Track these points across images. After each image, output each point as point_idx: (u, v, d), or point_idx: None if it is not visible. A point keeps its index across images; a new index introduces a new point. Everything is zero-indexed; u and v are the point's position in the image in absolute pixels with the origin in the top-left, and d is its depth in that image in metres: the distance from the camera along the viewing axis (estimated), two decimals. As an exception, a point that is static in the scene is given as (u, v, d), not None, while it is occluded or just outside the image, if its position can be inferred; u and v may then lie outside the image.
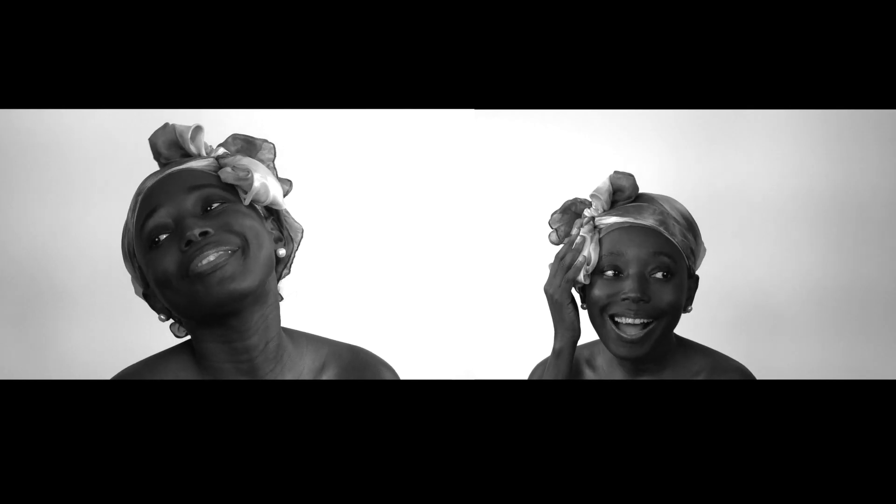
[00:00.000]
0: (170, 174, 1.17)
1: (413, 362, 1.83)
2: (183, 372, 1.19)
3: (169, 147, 1.20)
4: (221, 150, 1.21)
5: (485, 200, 1.94)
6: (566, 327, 1.33)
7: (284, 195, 1.22)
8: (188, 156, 1.20)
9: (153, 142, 1.20)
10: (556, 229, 1.34)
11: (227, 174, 1.16)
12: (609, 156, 1.93)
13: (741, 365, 1.35)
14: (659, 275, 1.28)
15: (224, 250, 1.11)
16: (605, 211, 1.32)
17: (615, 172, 1.32)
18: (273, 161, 1.23)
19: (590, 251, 1.30)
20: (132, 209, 1.18)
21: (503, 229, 1.95)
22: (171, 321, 1.21)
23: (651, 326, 1.28)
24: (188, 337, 1.21)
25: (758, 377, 1.36)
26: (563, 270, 1.31)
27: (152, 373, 1.19)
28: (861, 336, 1.93)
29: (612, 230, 1.30)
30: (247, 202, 1.16)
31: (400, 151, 1.87)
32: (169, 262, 1.11)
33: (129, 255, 1.19)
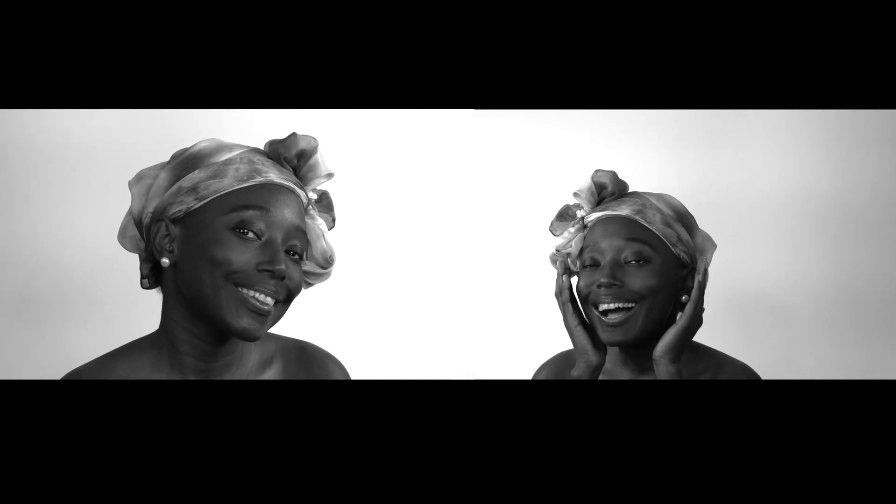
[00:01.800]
0: (290, 191, 1.18)
1: (412, 362, 1.83)
2: (143, 363, 1.20)
3: (298, 157, 1.21)
4: (314, 198, 1.23)
5: (485, 200, 1.93)
6: (578, 353, 1.34)
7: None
8: (294, 173, 1.21)
9: (294, 140, 1.20)
10: (558, 235, 1.39)
11: (318, 245, 1.23)
12: (609, 156, 1.93)
13: (746, 365, 1.36)
14: (633, 261, 1.31)
15: (275, 298, 1.15)
16: (592, 209, 1.36)
17: (596, 171, 1.37)
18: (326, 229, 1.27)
19: (572, 244, 1.35)
20: (240, 167, 1.16)
21: (503, 229, 1.95)
22: (146, 264, 1.21)
23: (632, 310, 1.30)
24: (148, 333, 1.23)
25: (758, 378, 1.36)
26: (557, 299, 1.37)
27: (104, 371, 1.19)
28: (860, 336, 1.93)
29: (594, 224, 1.35)
30: (303, 268, 1.21)
31: (400, 151, 1.87)
32: (241, 261, 1.13)
33: (187, 188, 1.16)
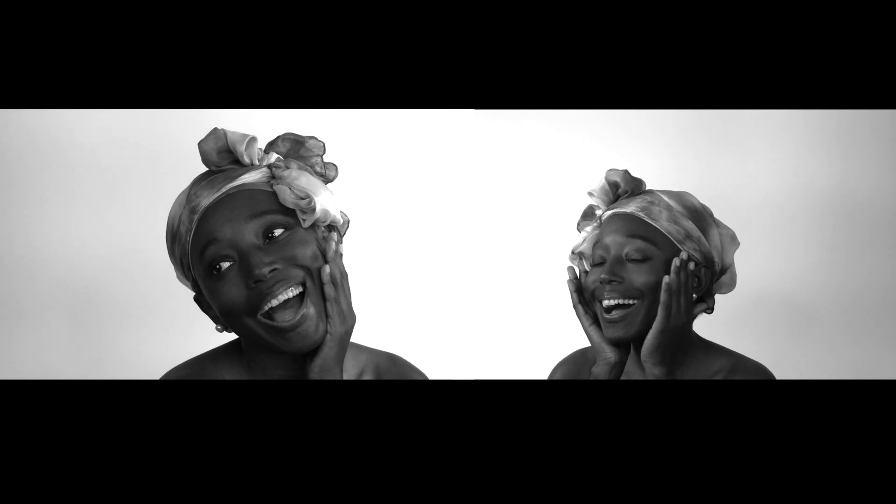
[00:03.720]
0: (228, 196, 1.14)
1: (412, 363, 1.83)
2: (232, 373, 1.20)
3: (220, 153, 1.16)
4: (274, 157, 1.18)
5: (485, 200, 1.93)
6: (595, 352, 1.35)
7: (331, 181, 1.21)
8: (237, 161, 1.17)
9: (204, 148, 1.16)
10: (583, 232, 1.40)
11: (285, 196, 1.14)
12: (609, 156, 1.93)
13: (762, 365, 1.36)
14: (635, 258, 1.31)
15: (291, 286, 1.12)
16: (608, 207, 1.37)
17: (609, 170, 1.37)
18: (322, 157, 1.20)
19: (585, 243, 1.36)
20: (183, 220, 1.15)
21: (503, 229, 1.95)
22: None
23: (633, 307, 1.30)
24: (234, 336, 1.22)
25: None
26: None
27: (202, 374, 1.20)
28: (860, 336, 1.93)
29: (604, 222, 1.36)
30: (306, 225, 1.15)
31: (400, 151, 1.87)
32: (236, 295, 1.12)
33: (179, 262, 1.17)
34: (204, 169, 1.18)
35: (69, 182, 1.76)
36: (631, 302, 1.30)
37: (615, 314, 1.31)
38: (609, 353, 1.32)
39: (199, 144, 1.16)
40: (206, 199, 1.14)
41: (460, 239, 1.88)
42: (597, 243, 1.35)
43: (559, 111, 1.87)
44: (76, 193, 1.76)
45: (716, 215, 1.39)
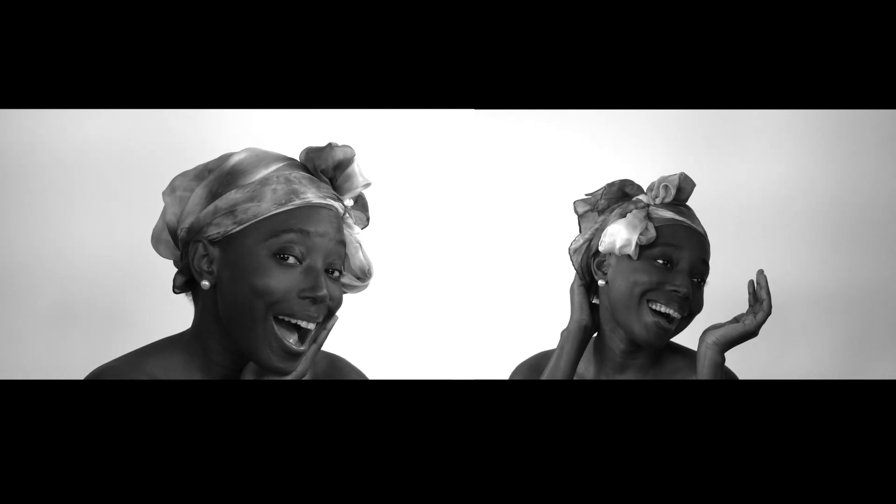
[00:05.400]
0: (328, 209, 1.16)
1: (410, 362, 1.84)
2: (164, 367, 1.18)
3: (334, 168, 1.18)
4: (349, 203, 1.20)
5: (485, 200, 1.94)
6: (573, 309, 1.40)
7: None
8: (331, 184, 1.18)
9: (329, 153, 1.17)
10: (596, 199, 1.39)
11: (360, 257, 1.23)
12: (609, 156, 1.93)
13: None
14: (697, 279, 1.35)
15: (314, 320, 1.15)
16: (661, 203, 1.37)
17: (684, 174, 1.37)
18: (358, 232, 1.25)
19: (649, 229, 1.33)
20: (277, 189, 1.14)
21: (503, 229, 1.95)
22: (181, 276, 1.19)
23: (676, 322, 1.33)
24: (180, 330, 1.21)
25: (757, 378, 1.36)
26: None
27: (135, 368, 1.18)
28: (860, 336, 1.93)
29: (669, 224, 1.35)
30: (342, 280, 1.20)
31: (400, 151, 1.87)
32: (284, 290, 1.12)
33: (227, 210, 1.14)
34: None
35: (69, 182, 1.75)
36: (678, 318, 1.33)
37: (665, 324, 1.33)
38: (586, 316, 1.39)
39: (330, 145, 1.17)
40: (314, 197, 1.15)
41: (460, 239, 1.88)
42: (666, 244, 1.33)
43: (559, 111, 1.88)
44: (76, 193, 1.75)
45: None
